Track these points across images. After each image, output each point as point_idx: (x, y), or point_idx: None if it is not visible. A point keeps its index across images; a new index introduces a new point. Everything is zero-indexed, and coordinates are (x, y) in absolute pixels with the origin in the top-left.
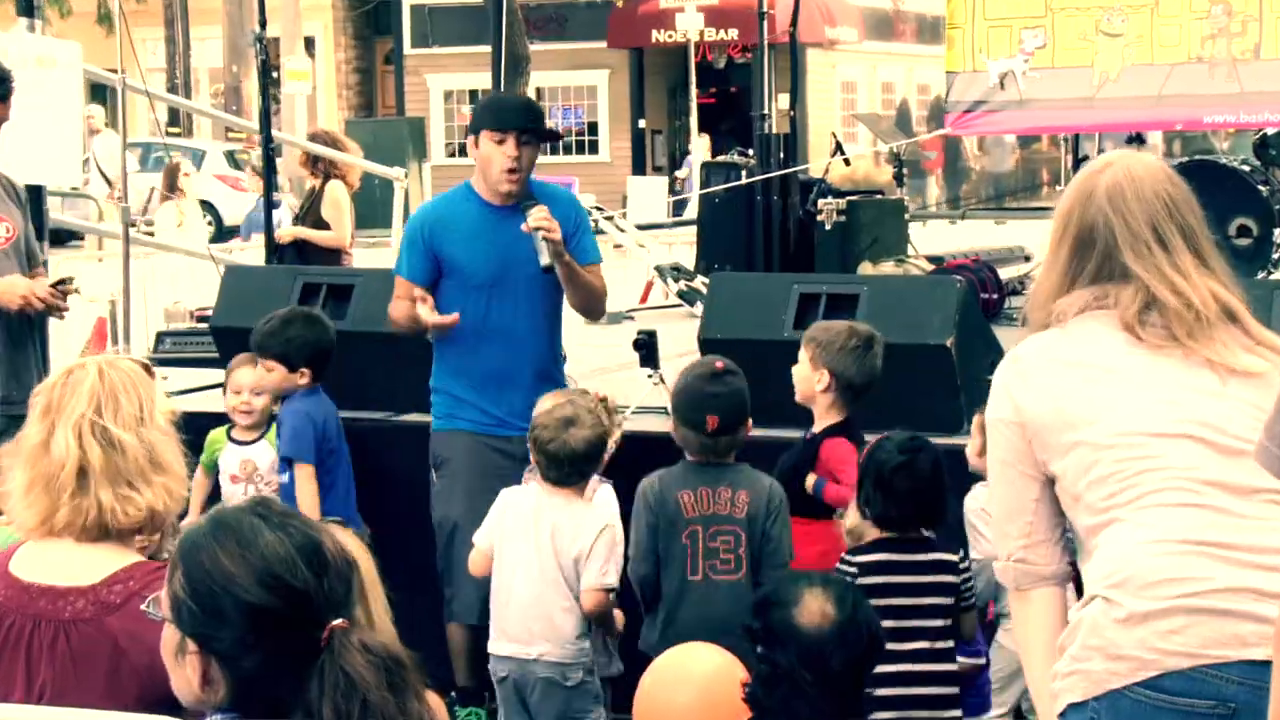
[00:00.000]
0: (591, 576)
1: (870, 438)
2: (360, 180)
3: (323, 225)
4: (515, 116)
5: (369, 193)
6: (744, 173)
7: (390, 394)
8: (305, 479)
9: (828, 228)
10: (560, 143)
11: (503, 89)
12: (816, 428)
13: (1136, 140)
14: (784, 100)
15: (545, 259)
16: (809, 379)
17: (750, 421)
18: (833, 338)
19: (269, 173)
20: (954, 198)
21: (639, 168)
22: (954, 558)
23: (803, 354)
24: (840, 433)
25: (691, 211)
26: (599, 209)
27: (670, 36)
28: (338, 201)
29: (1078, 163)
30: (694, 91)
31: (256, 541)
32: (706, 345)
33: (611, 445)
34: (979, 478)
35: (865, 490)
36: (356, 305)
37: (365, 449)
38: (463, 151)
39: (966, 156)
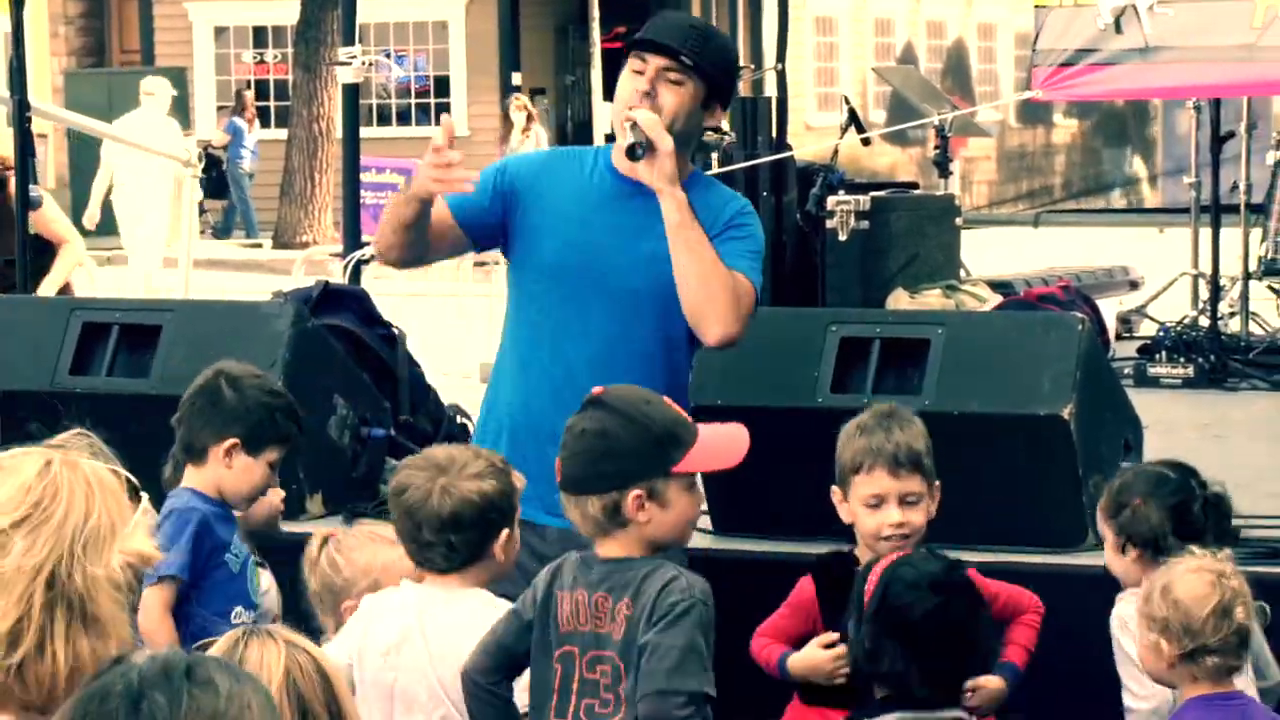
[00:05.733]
0: None
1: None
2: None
3: (41, 245)
4: (667, 34)
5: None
6: (715, 155)
7: None
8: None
9: (843, 238)
10: (393, 107)
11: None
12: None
13: None
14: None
15: (630, 138)
16: (928, 507)
17: (638, 490)
18: (924, 432)
19: None
20: (1014, 195)
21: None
22: (968, 716)
23: (917, 482)
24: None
25: None
26: None
27: None
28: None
29: (1218, 141)
30: (595, 32)
31: None
32: (699, 416)
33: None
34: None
35: (871, 634)
36: (166, 356)
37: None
38: (262, 119)
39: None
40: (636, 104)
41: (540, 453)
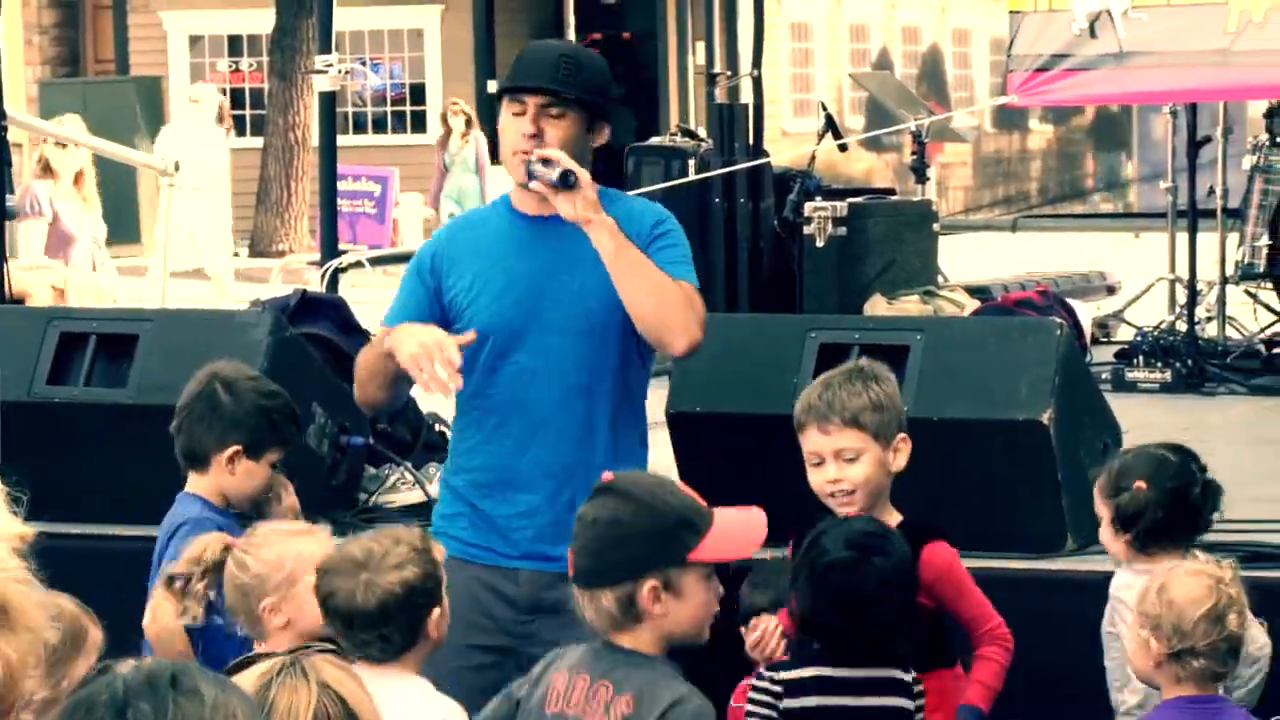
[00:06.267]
0: None
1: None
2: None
3: None
4: (538, 72)
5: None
6: (692, 162)
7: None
8: None
9: (820, 244)
10: (368, 115)
11: (282, 31)
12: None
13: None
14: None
15: (549, 174)
16: (884, 461)
17: (653, 580)
18: (886, 387)
19: None
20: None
21: (491, 152)
22: (906, 676)
23: (847, 434)
24: (931, 527)
25: None
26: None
27: None
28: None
29: (1194, 146)
30: (570, 39)
31: None
32: (678, 423)
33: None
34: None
35: (794, 586)
36: (143, 365)
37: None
38: (237, 127)
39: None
40: (523, 147)
41: (509, 499)
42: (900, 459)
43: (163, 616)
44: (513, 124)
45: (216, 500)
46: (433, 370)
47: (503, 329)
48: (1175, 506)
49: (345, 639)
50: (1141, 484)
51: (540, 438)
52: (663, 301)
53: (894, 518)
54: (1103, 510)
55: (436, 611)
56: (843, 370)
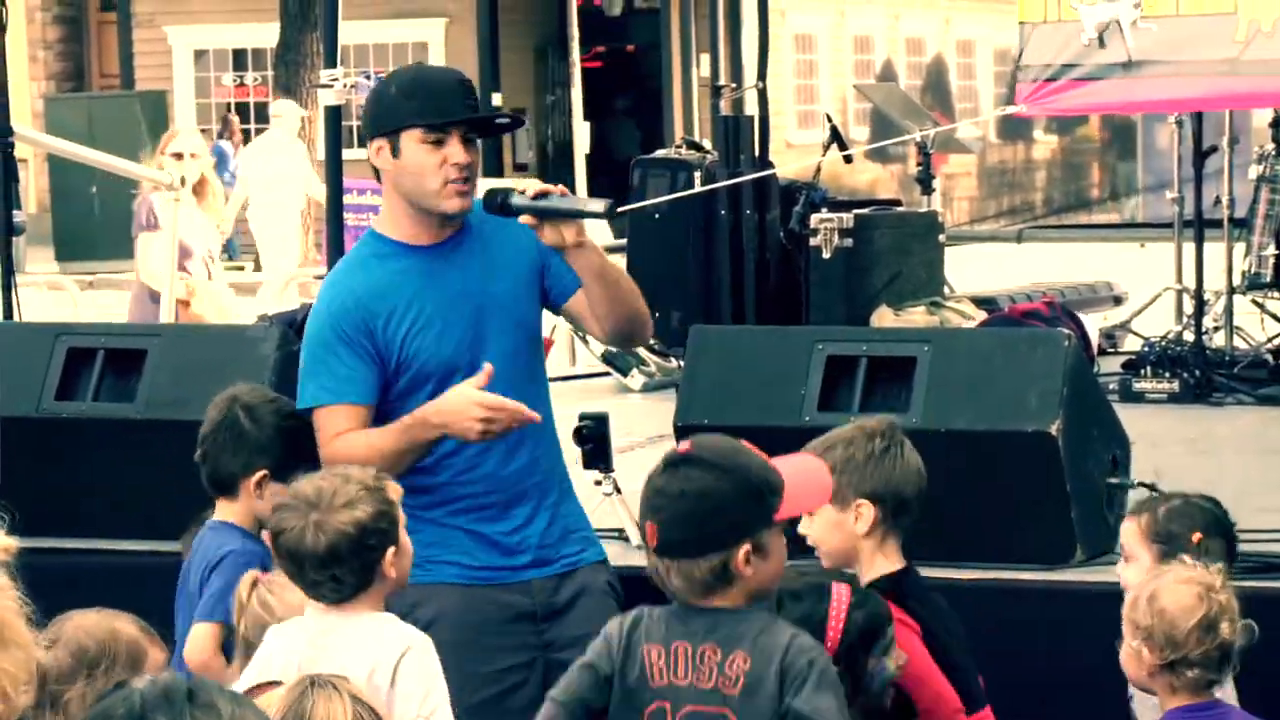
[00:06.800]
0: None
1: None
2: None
3: None
4: (457, 102)
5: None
6: (697, 174)
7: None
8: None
9: (826, 255)
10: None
11: (286, 46)
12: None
13: None
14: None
15: (596, 206)
16: (841, 523)
17: (747, 545)
18: (847, 452)
19: None
20: (995, 212)
21: (492, 165)
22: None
23: None
24: (898, 589)
25: (601, 234)
26: None
27: None
28: None
29: (1200, 156)
30: (575, 53)
31: None
32: (684, 435)
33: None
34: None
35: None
36: (151, 380)
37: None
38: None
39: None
40: (456, 177)
41: (500, 516)
42: (862, 524)
43: (207, 648)
44: (430, 156)
45: (249, 526)
46: (509, 423)
47: (456, 358)
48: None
49: (296, 580)
50: (1200, 537)
51: (520, 449)
52: (636, 297)
53: (877, 571)
54: (1143, 552)
55: (391, 550)
56: (844, 429)
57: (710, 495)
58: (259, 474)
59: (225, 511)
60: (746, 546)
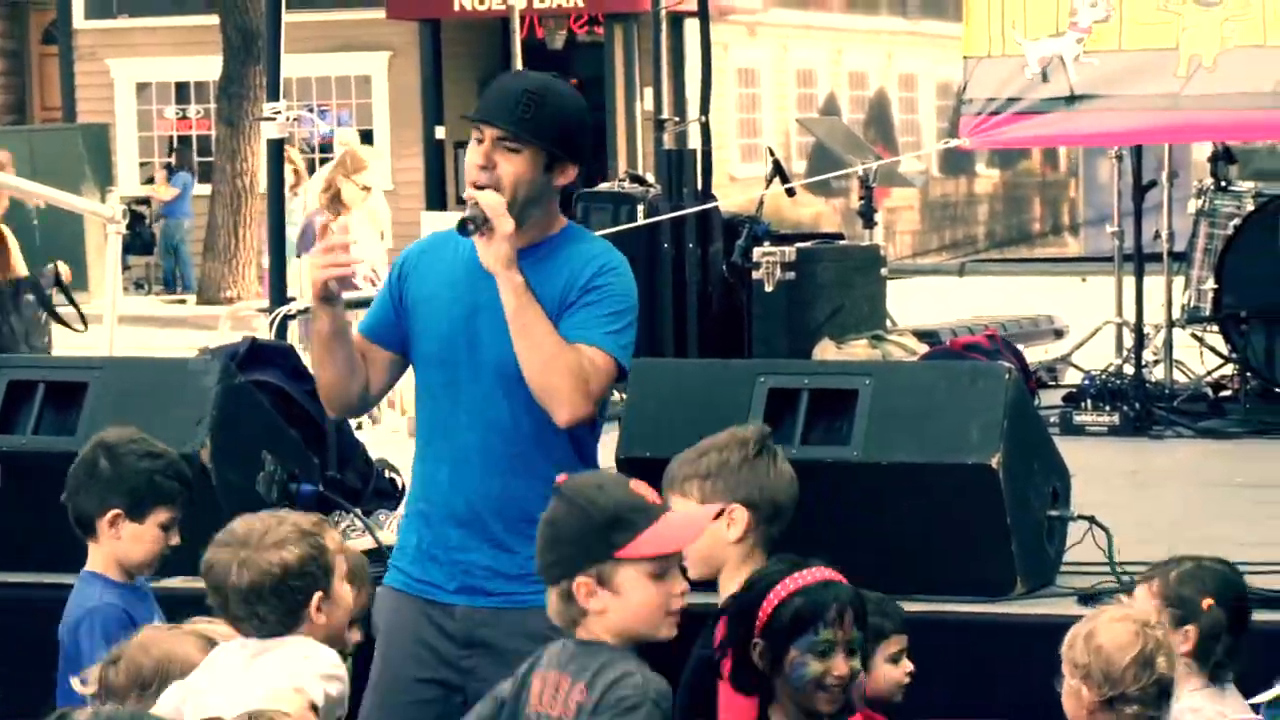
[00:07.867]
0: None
1: None
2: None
3: None
4: (497, 105)
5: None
6: (640, 207)
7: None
8: None
9: (769, 288)
10: (316, 161)
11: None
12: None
13: (1225, 157)
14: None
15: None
16: (712, 529)
17: (585, 577)
18: (721, 457)
19: None
20: (938, 245)
21: (436, 198)
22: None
23: (680, 502)
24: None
25: None
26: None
27: (481, 3)
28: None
29: (1140, 190)
30: None
31: None
32: (627, 468)
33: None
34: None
35: None
36: (92, 413)
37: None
38: (173, 174)
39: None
40: (472, 177)
41: (444, 534)
42: (734, 530)
43: None
44: (473, 151)
45: (114, 573)
46: (337, 260)
47: (444, 362)
48: (1234, 623)
49: (222, 614)
50: (1212, 602)
51: (465, 472)
52: (548, 369)
53: (742, 580)
54: (1150, 607)
55: (318, 596)
56: (717, 435)
57: (552, 524)
58: (112, 513)
59: (92, 558)
60: (583, 579)
